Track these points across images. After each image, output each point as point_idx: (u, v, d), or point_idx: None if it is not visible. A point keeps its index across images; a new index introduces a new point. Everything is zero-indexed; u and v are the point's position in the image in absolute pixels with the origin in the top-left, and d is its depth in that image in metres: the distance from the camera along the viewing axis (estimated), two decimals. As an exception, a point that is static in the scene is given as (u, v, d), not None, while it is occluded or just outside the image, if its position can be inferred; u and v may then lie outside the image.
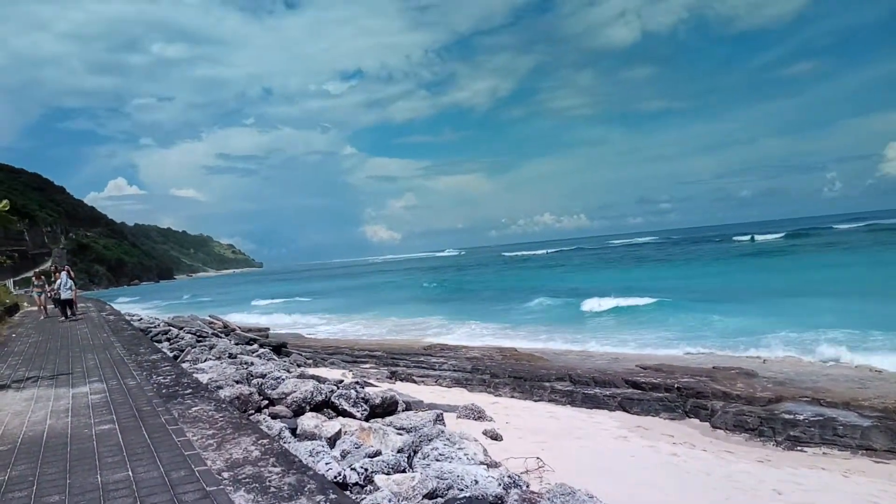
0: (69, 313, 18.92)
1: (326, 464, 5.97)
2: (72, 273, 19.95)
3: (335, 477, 5.78)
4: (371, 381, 16.05)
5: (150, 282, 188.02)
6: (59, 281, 19.19)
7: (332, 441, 7.60)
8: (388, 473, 5.98)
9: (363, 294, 58.77)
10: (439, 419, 9.44)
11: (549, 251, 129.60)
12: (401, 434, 8.20)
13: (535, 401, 14.12)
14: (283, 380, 9.38)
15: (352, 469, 5.97)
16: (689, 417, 11.90)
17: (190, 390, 6.91)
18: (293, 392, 8.70)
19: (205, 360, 14.22)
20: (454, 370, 16.95)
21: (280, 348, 21.46)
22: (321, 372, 17.17)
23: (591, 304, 30.14)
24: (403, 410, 10.26)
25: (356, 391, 9.38)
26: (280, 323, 37.03)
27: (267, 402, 8.96)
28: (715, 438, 10.49)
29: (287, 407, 8.44)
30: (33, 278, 20.88)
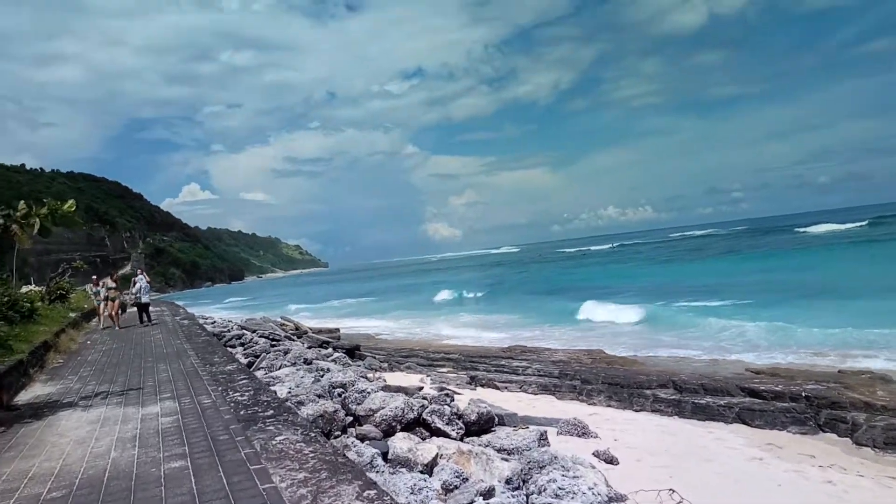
0: (146, 318, 18.73)
1: (435, 507, 4.95)
2: (147, 277, 19.74)
3: (448, 525, 4.75)
4: (451, 387, 15.06)
5: (223, 283, 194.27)
6: (137, 285, 19.00)
7: (429, 467, 6.59)
8: (510, 521, 4.91)
9: (420, 293, 57.71)
10: (543, 438, 8.31)
11: (614, 245, 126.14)
12: (506, 460, 7.11)
13: (636, 411, 12.76)
14: (369, 393, 8.45)
15: (466, 514, 4.93)
16: (824, 432, 10.30)
17: (271, 411, 6.01)
18: (381, 409, 7.73)
19: (280, 367, 13.54)
20: (539, 375, 15.74)
21: (353, 351, 20.75)
22: (398, 377, 16.30)
23: (648, 309, 27.57)
24: (498, 425, 9.21)
25: (449, 407, 8.36)
26: (349, 324, 36.60)
27: (351, 418, 8.06)
28: (863, 458, 8.93)
29: (375, 426, 7.49)
30: (91, 285, 19.90)
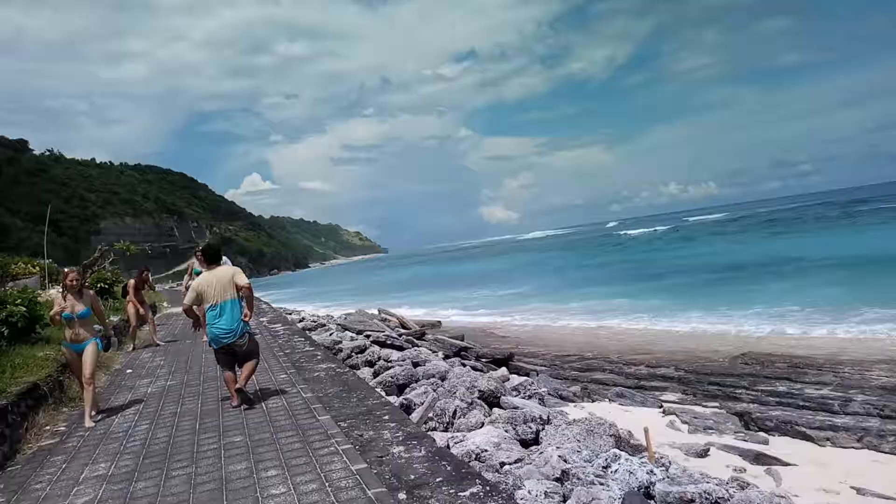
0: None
1: None
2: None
3: None
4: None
5: (288, 271, 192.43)
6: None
7: None
8: None
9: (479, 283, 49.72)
10: None
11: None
12: None
13: None
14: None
15: None
16: None
17: None
18: None
19: (462, 415, 7.51)
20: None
21: (507, 362, 14.47)
22: (601, 410, 10.00)
23: None
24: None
25: None
26: (444, 315, 29.81)
27: None
28: None
29: None
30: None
